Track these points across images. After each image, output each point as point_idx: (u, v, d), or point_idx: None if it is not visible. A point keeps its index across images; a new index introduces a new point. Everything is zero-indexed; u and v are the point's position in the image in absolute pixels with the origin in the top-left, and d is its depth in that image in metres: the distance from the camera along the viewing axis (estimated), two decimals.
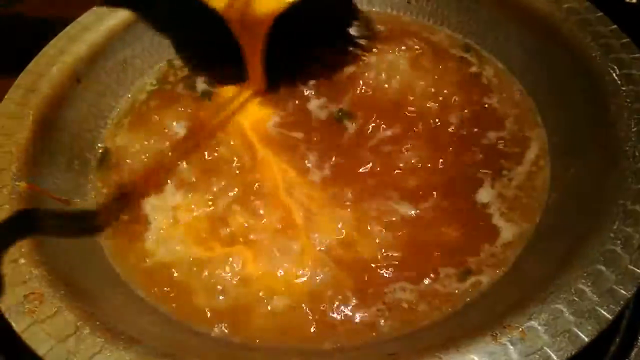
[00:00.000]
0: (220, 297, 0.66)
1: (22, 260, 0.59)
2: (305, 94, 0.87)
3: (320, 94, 0.87)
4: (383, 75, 0.88)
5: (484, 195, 0.73)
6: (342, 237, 0.70)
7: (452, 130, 0.81)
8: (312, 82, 0.88)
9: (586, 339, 0.48)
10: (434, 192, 0.73)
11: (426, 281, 0.66)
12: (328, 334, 0.63)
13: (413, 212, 0.72)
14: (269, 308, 0.65)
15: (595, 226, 0.57)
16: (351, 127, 0.82)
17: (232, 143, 0.81)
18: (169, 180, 0.77)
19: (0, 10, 1.13)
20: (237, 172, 0.78)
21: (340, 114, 0.83)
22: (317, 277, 0.67)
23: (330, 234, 0.71)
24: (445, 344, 0.50)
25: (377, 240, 0.69)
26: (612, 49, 0.72)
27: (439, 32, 0.96)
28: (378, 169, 0.77)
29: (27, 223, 0.64)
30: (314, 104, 0.86)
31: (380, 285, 0.66)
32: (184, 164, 0.79)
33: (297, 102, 0.86)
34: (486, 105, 0.84)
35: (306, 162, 0.78)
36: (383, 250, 0.68)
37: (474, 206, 0.72)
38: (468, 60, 0.91)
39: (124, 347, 0.52)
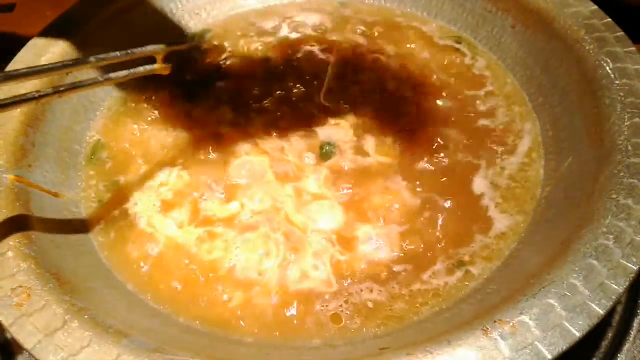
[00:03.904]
0: (210, 292, 0.66)
1: (10, 254, 0.59)
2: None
3: None
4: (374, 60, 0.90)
5: (479, 183, 0.73)
6: (336, 230, 0.70)
7: (443, 117, 0.81)
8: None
9: (578, 334, 0.48)
10: (430, 180, 0.74)
11: (420, 275, 0.66)
12: (317, 330, 0.62)
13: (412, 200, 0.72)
14: (258, 304, 0.65)
15: (588, 220, 0.56)
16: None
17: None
18: (159, 172, 0.77)
19: None
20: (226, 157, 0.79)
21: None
22: (307, 271, 0.67)
23: (324, 226, 0.70)
24: (436, 338, 0.50)
25: (373, 231, 0.69)
26: (606, 42, 0.72)
27: (431, 24, 0.96)
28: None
29: (16, 216, 0.63)
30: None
31: (371, 280, 0.66)
32: (175, 152, 0.79)
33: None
34: (477, 95, 0.84)
35: (306, 157, 0.78)
36: (377, 241, 0.68)
37: (469, 194, 0.72)
38: (461, 51, 0.91)
39: (112, 341, 0.52)
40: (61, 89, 0.61)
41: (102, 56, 0.64)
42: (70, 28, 0.85)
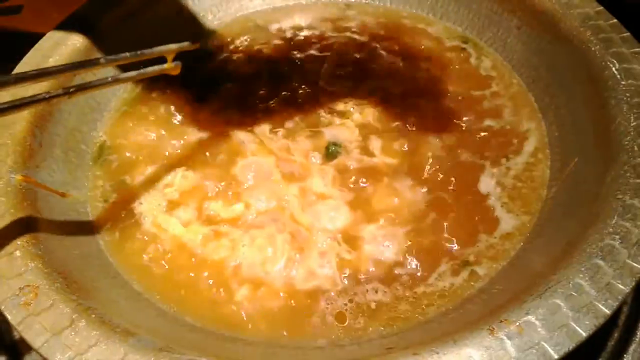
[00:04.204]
0: (216, 291, 0.66)
1: (18, 253, 0.59)
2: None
3: None
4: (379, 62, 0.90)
5: (485, 183, 0.73)
6: (342, 230, 0.70)
7: (449, 117, 0.81)
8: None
9: (584, 334, 0.48)
10: (436, 179, 0.74)
11: (425, 275, 0.66)
12: (323, 330, 0.62)
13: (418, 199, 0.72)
14: (264, 302, 0.65)
15: (593, 220, 0.56)
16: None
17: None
18: (165, 172, 0.78)
19: None
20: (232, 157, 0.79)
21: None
22: (313, 270, 0.67)
23: (330, 226, 0.70)
24: (442, 338, 0.50)
25: (379, 231, 0.69)
26: (612, 43, 0.71)
27: (437, 24, 0.96)
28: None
29: (23, 216, 0.64)
30: None
31: (377, 279, 0.66)
32: (181, 152, 0.80)
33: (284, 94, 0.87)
34: (483, 95, 0.84)
35: (312, 156, 0.78)
36: (383, 241, 0.69)
37: (475, 194, 0.72)
38: (466, 51, 0.91)
39: (119, 340, 0.52)
40: (71, 90, 0.61)
41: (111, 57, 0.64)
42: (78, 29, 0.85)
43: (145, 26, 0.93)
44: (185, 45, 0.73)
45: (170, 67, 0.72)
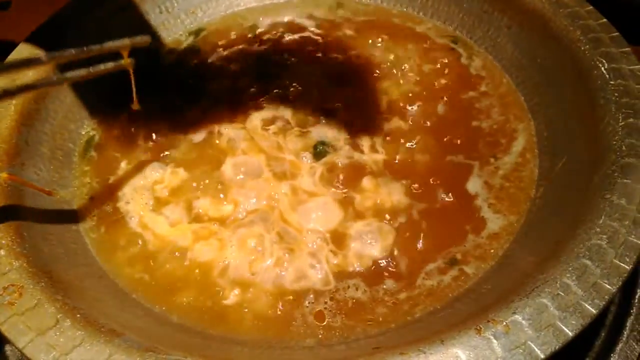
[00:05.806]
0: (204, 290, 0.66)
1: (2, 252, 0.59)
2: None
3: None
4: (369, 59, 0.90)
5: (472, 183, 0.73)
6: (330, 229, 0.70)
7: (438, 116, 0.81)
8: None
9: (570, 334, 0.48)
10: (423, 178, 0.74)
11: (412, 274, 0.66)
12: (309, 329, 0.62)
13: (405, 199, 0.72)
14: (251, 302, 0.65)
15: (581, 220, 0.56)
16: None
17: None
18: (152, 170, 0.77)
19: None
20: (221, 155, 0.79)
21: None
22: (301, 270, 0.67)
23: (318, 225, 0.70)
24: (430, 337, 0.50)
25: (366, 229, 0.69)
26: (601, 42, 0.71)
27: (427, 24, 0.96)
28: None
29: (8, 215, 0.63)
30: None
31: (361, 277, 0.66)
32: (170, 149, 0.80)
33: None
34: (472, 95, 0.84)
35: (302, 155, 0.78)
36: (370, 240, 0.68)
37: (463, 194, 0.72)
38: (456, 50, 0.91)
39: (104, 340, 0.52)
40: (12, 91, 0.59)
41: (55, 53, 0.60)
42: (62, 29, 0.84)
43: (133, 24, 0.92)
44: (137, 39, 0.69)
45: (127, 62, 0.69)
